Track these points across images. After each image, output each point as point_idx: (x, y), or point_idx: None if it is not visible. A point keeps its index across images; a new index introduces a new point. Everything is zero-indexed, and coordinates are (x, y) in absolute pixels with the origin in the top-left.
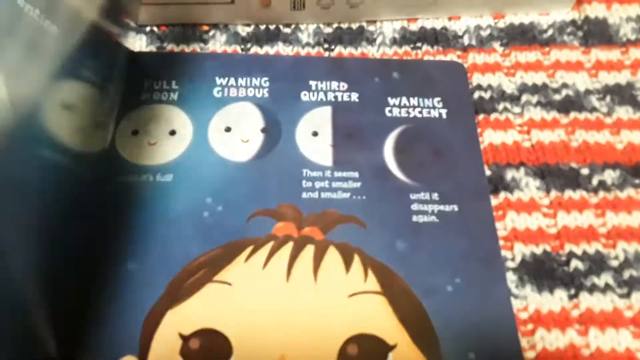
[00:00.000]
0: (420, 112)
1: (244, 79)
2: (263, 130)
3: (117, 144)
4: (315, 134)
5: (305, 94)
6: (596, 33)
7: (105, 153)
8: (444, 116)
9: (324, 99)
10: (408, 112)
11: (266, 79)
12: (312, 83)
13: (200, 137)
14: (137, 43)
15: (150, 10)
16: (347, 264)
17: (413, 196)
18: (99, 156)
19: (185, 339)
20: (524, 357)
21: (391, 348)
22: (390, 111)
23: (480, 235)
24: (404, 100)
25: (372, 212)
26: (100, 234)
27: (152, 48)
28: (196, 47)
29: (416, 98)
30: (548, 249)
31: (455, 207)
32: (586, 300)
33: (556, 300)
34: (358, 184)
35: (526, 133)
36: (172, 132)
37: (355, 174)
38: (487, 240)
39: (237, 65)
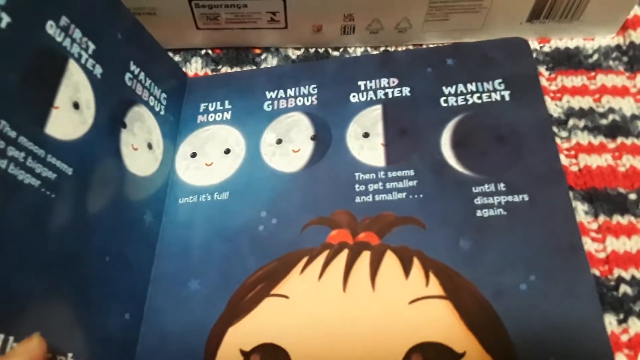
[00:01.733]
0: (480, 98)
1: (293, 89)
2: (313, 138)
3: (177, 168)
4: (366, 135)
5: (354, 96)
6: None
7: (165, 177)
8: (507, 98)
9: (374, 98)
10: (466, 100)
11: (314, 85)
12: (361, 83)
13: (252, 152)
14: (194, 65)
15: (207, 34)
16: (406, 268)
17: (476, 189)
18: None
19: (246, 355)
20: None
21: (459, 356)
22: (446, 101)
23: (557, 225)
24: (461, 87)
25: (431, 211)
26: (164, 255)
27: (207, 70)
28: (248, 69)
29: (474, 83)
30: (597, 273)
31: (526, 197)
32: (635, 325)
33: (605, 324)
34: (414, 182)
35: (574, 157)
36: (227, 151)
37: (411, 172)
38: (566, 230)
39: (285, 77)
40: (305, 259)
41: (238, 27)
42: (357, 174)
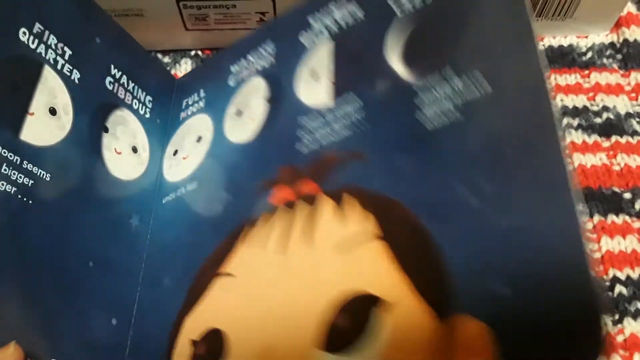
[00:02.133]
0: None
1: (254, 55)
2: (269, 100)
3: (163, 169)
4: (315, 75)
5: (302, 34)
6: (635, 56)
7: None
8: None
9: (324, 32)
10: (424, 2)
11: (272, 44)
12: (311, 19)
13: (218, 133)
14: (183, 67)
15: (196, 35)
16: (342, 212)
17: (425, 95)
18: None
19: (194, 344)
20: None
21: (378, 303)
22: (403, 11)
23: (524, 110)
24: None
25: (375, 139)
26: (151, 257)
27: None
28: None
29: None
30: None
31: (488, 88)
32: (630, 326)
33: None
34: (362, 114)
35: (567, 157)
36: (199, 139)
37: (359, 103)
38: (534, 113)
39: (247, 45)
40: (249, 229)
41: (227, 28)
42: (304, 122)
